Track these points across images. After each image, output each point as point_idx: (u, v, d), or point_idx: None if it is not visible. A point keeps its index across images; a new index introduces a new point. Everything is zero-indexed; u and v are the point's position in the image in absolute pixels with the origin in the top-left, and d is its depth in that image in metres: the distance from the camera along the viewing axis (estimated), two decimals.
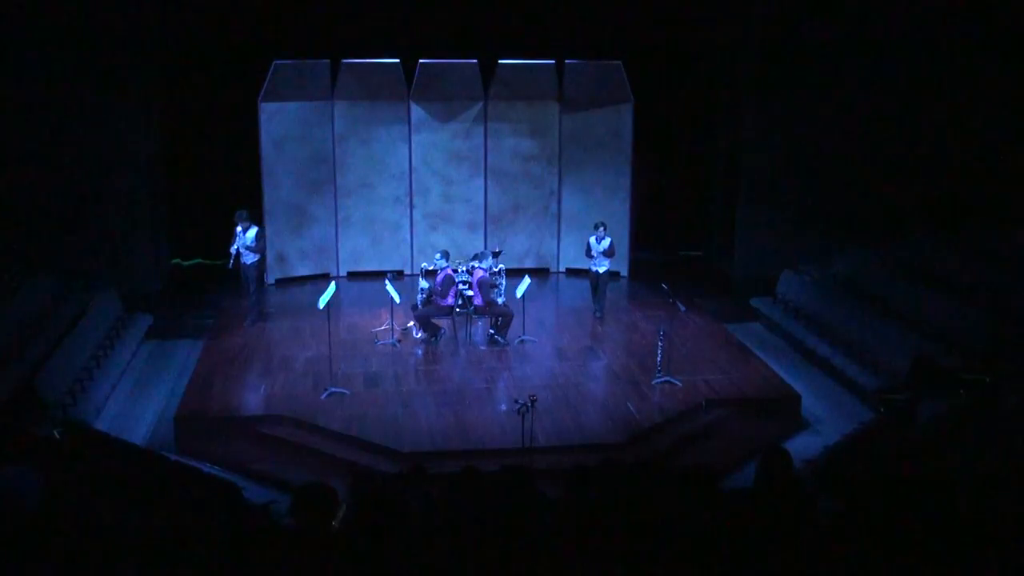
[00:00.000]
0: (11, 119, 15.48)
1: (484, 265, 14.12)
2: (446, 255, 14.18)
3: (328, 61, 16.70)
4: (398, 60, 16.82)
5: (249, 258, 14.56)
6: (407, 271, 17.64)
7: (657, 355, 12.49)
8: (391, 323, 14.18)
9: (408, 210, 17.60)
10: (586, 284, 15.50)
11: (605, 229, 14.76)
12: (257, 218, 16.46)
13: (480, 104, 17.35)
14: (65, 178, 15.85)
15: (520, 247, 17.87)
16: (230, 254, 14.44)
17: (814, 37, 16.57)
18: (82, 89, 15.57)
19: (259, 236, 14.69)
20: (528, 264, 17.68)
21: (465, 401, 11.99)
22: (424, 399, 12.06)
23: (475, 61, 17.02)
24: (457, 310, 13.87)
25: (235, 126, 16.80)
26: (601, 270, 14.91)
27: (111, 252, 16.17)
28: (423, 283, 14.18)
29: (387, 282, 14.25)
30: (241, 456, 11.12)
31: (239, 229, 14.43)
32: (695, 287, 16.61)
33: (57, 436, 9.44)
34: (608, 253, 14.75)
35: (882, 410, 11.64)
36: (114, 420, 12.15)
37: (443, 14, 16.89)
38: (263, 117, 16.45)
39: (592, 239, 14.78)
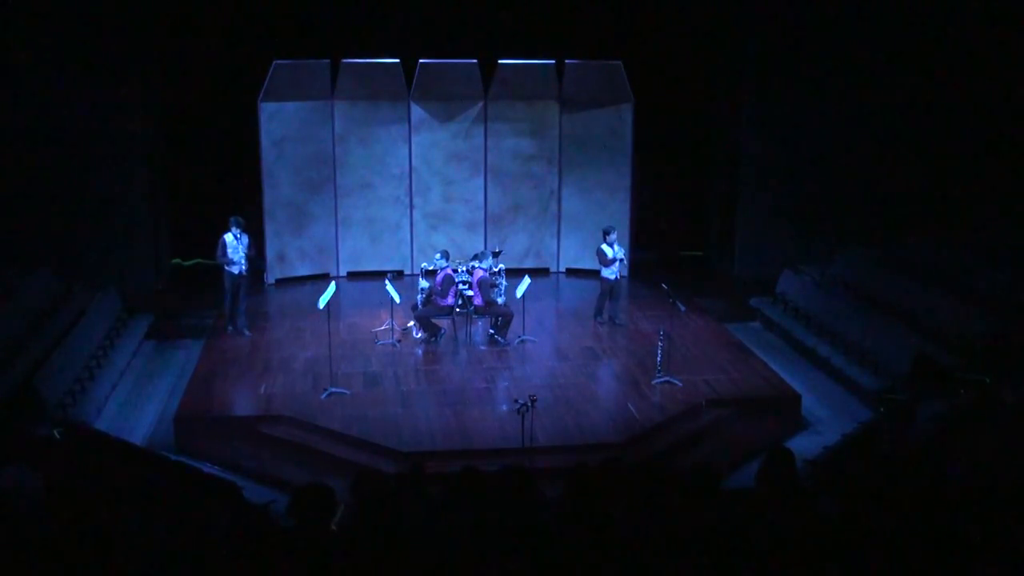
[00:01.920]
0: (11, 119, 15.46)
1: (484, 265, 14.11)
2: (446, 255, 14.17)
3: (328, 61, 16.67)
4: (398, 60, 16.79)
5: (244, 265, 14.21)
6: (407, 271, 17.62)
7: (657, 355, 12.48)
8: (391, 323, 14.17)
9: (408, 210, 17.58)
10: (586, 285, 15.26)
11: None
12: (257, 218, 16.47)
13: (480, 104, 17.34)
14: (65, 177, 15.82)
15: (520, 247, 17.86)
16: (237, 261, 14.00)
17: (814, 37, 16.56)
18: (82, 89, 15.55)
19: (251, 243, 14.40)
20: (528, 264, 17.66)
21: (465, 401, 11.98)
22: (424, 399, 12.06)
23: (475, 61, 17.00)
24: (457, 310, 13.86)
25: (235, 126, 16.78)
26: (618, 276, 14.61)
27: (111, 252, 16.16)
28: (423, 283, 14.17)
29: (387, 282, 14.25)
30: (241, 456, 11.11)
31: (234, 234, 14.02)
32: (695, 287, 16.60)
33: (57, 436, 9.45)
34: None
35: (882, 410, 11.64)
36: (114, 420, 12.16)
37: (443, 14, 16.89)
38: (263, 117, 16.44)
39: (604, 246, 14.37)
